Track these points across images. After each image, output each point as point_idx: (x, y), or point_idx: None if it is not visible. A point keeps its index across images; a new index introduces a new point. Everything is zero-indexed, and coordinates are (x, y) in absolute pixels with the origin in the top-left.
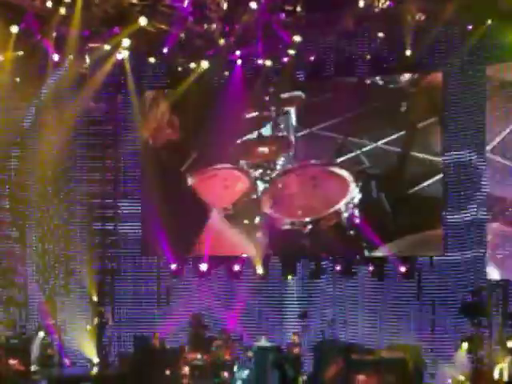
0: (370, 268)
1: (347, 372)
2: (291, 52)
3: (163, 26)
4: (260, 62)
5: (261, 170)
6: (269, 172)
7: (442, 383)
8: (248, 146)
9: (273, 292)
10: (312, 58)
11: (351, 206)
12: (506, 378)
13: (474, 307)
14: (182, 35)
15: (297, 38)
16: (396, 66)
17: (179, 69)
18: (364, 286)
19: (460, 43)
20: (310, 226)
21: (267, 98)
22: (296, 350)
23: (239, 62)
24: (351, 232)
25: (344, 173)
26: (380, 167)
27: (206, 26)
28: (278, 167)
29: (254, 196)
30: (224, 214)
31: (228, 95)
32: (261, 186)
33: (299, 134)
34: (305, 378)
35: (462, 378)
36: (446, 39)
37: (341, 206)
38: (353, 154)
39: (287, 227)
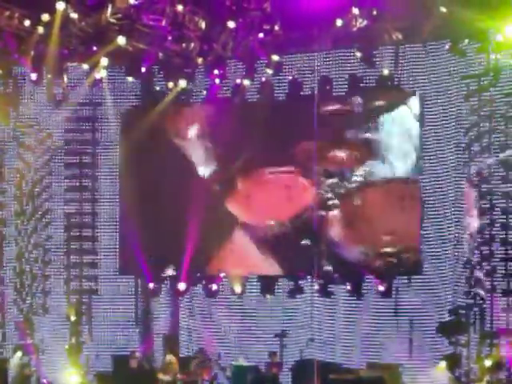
0: (348, 287)
1: None
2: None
3: (141, 45)
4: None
5: (333, 180)
6: (344, 184)
7: None
8: (320, 149)
9: (251, 311)
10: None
11: None
12: None
13: (452, 326)
14: (161, 54)
15: (275, 58)
16: (374, 85)
17: (157, 88)
18: (342, 305)
19: (437, 62)
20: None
21: None
22: (274, 370)
23: (217, 80)
24: None
25: None
26: None
27: (184, 45)
28: (358, 178)
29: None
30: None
31: None
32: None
33: None
34: None
35: None
36: (423, 58)
37: None
38: None
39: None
